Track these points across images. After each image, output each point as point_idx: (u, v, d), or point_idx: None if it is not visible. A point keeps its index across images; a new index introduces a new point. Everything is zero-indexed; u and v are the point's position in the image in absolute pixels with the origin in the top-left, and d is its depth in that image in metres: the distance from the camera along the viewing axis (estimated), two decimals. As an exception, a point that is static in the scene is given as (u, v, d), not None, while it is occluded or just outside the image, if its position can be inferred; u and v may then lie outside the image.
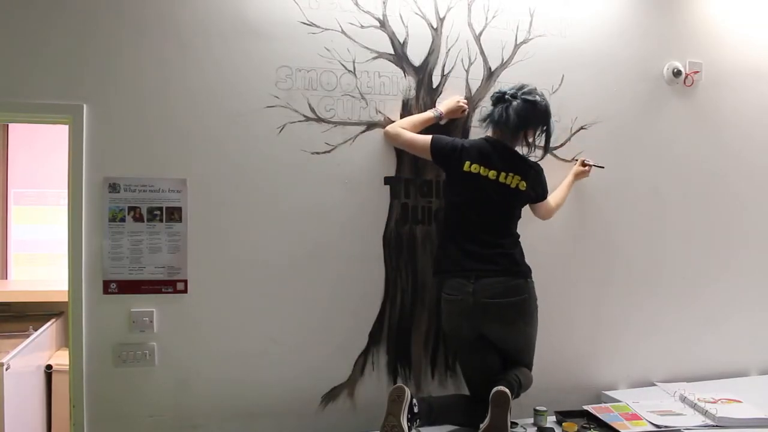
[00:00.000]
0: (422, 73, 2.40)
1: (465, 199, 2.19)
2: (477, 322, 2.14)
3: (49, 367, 3.05)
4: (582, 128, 2.58)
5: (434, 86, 2.40)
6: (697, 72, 2.70)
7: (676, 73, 2.67)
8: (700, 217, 2.77)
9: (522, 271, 2.18)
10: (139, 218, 2.17)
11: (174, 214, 2.20)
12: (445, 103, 2.36)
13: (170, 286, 2.20)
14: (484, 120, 2.27)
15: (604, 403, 2.47)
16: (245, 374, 2.27)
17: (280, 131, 2.27)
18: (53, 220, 3.60)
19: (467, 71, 2.44)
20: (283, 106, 2.26)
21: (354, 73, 2.32)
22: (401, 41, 2.37)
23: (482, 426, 1.94)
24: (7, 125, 3.61)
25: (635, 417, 2.25)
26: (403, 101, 2.37)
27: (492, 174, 2.17)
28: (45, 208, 3.66)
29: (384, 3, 2.34)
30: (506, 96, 2.18)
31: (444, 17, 2.41)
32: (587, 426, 2.20)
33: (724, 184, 2.81)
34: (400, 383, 2.29)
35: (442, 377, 2.45)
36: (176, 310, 2.21)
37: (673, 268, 2.74)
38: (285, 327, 2.30)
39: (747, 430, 2.16)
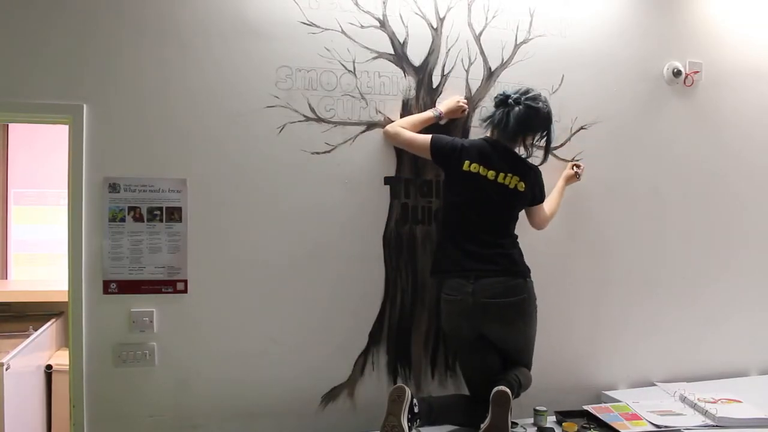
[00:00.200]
0: (422, 73, 2.40)
1: (464, 199, 2.19)
2: (477, 322, 2.14)
3: (49, 367, 3.05)
4: (582, 128, 2.58)
5: (434, 86, 2.40)
6: (697, 72, 2.71)
7: (676, 73, 2.67)
8: (700, 217, 2.77)
9: (521, 271, 2.18)
10: (139, 218, 2.17)
11: (174, 214, 2.20)
12: (445, 103, 2.36)
13: (170, 286, 2.20)
14: (485, 121, 2.27)
15: (604, 403, 2.47)
16: (245, 374, 2.27)
17: (280, 131, 2.27)
18: (53, 220, 3.60)
19: (467, 71, 2.44)
20: (283, 106, 2.26)
21: (354, 73, 2.32)
22: (401, 41, 2.37)
23: (483, 426, 1.94)
24: (7, 125, 3.61)
25: (635, 417, 2.25)
26: (403, 101, 2.37)
27: (491, 174, 2.17)
28: (45, 208, 3.66)
29: (384, 3, 2.34)
30: (509, 100, 2.18)
31: (444, 17, 2.41)
32: (587, 426, 2.20)
33: (724, 184, 2.81)
34: (400, 383, 2.29)
35: (442, 377, 2.45)
36: (176, 310, 2.21)
37: (673, 268, 2.74)
38: (285, 327, 2.30)
39: (747, 430, 2.16)
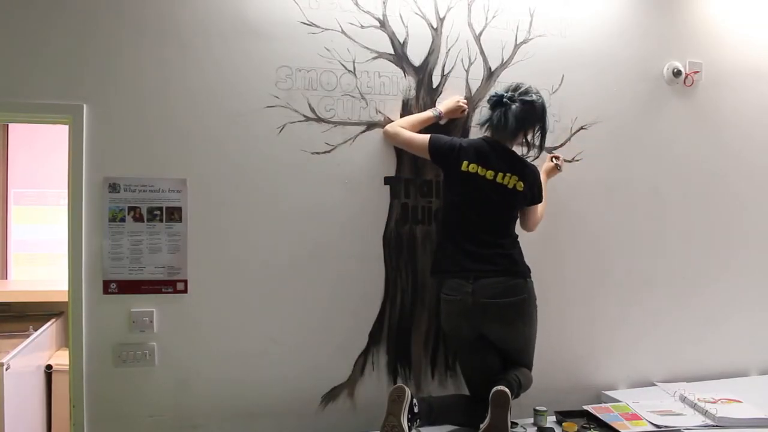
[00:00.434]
0: (422, 73, 2.40)
1: (463, 199, 2.19)
2: (476, 322, 2.14)
3: (49, 367, 3.05)
4: (582, 128, 2.58)
5: (434, 86, 2.40)
6: (697, 72, 2.70)
7: (676, 73, 2.67)
8: (700, 217, 2.77)
9: (521, 271, 2.18)
10: (139, 218, 2.17)
11: (174, 214, 2.20)
12: (444, 103, 2.36)
13: (170, 286, 2.20)
14: (483, 124, 2.26)
15: (604, 403, 2.47)
16: (245, 374, 2.27)
17: (280, 131, 2.27)
18: (53, 220, 3.60)
19: (467, 71, 2.44)
20: (283, 106, 2.26)
21: (354, 73, 2.32)
22: (401, 41, 2.37)
23: (482, 426, 1.94)
24: (7, 125, 3.61)
25: (635, 417, 2.25)
26: (403, 101, 2.37)
27: (490, 174, 2.17)
28: (45, 208, 3.66)
29: (384, 3, 2.34)
30: (504, 99, 2.17)
31: (444, 17, 2.41)
32: (587, 426, 2.20)
33: (724, 184, 2.81)
34: (400, 383, 2.29)
35: (442, 377, 2.45)
36: (176, 310, 2.21)
37: (673, 268, 2.73)
38: (285, 327, 2.30)
39: (747, 430, 2.16)
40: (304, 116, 2.29)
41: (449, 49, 2.41)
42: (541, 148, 2.28)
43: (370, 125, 2.35)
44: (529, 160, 2.27)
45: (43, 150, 3.62)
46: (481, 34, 2.45)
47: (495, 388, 1.96)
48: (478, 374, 2.20)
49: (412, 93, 2.38)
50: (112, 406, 2.16)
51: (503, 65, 2.47)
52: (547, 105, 2.24)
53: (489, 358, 2.18)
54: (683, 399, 2.40)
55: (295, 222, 2.29)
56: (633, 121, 2.65)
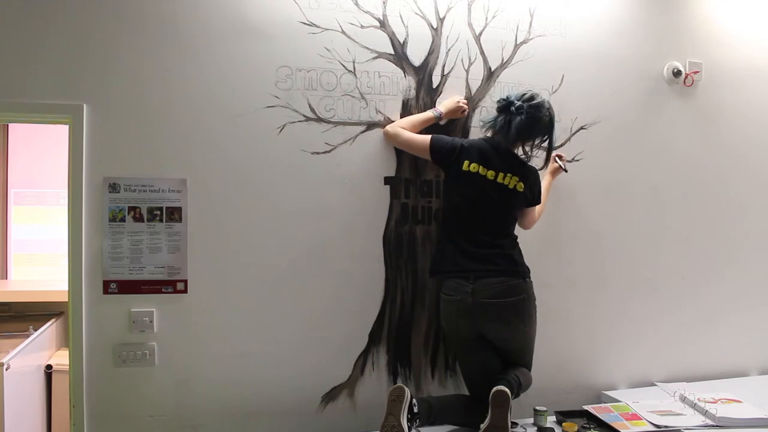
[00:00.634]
0: (422, 73, 2.40)
1: (464, 199, 2.19)
2: (476, 322, 2.14)
3: (49, 367, 3.05)
4: (582, 128, 2.58)
5: (434, 86, 2.40)
6: (697, 72, 2.71)
7: (676, 73, 2.67)
8: (699, 216, 2.77)
9: (521, 271, 2.18)
10: (139, 218, 2.17)
11: (174, 214, 2.20)
12: (444, 104, 2.36)
13: (170, 286, 2.20)
14: (486, 124, 2.26)
15: (604, 403, 2.48)
16: (245, 374, 2.27)
17: (280, 131, 2.27)
18: (53, 220, 3.60)
19: (467, 71, 2.44)
20: (283, 106, 2.26)
21: (354, 73, 2.32)
22: (401, 41, 2.37)
23: (483, 426, 1.94)
24: (7, 125, 3.61)
25: (635, 417, 2.25)
26: (403, 101, 2.37)
27: (491, 174, 2.17)
28: (45, 208, 3.67)
29: (384, 3, 2.34)
30: (512, 107, 2.15)
31: (444, 17, 2.41)
32: (587, 426, 2.20)
33: (724, 184, 2.81)
34: (400, 383, 2.29)
35: (442, 377, 2.45)
36: (176, 310, 2.21)
37: (673, 268, 2.74)
38: (285, 327, 2.30)
39: (747, 430, 2.16)
40: (304, 116, 2.29)
41: (449, 49, 2.41)
42: (548, 160, 2.27)
43: (370, 125, 2.35)
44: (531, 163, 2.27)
45: (43, 150, 3.62)
46: (481, 34, 2.45)
47: (495, 388, 1.96)
48: (478, 374, 2.20)
49: (412, 93, 2.38)
50: (112, 406, 2.16)
51: (503, 65, 2.47)
52: (551, 113, 2.21)
53: (489, 359, 2.18)
54: (683, 399, 2.40)
55: (295, 222, 2.29)
56: (633, 121, 2.66)
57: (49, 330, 3.14)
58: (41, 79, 2.08)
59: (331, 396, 2.35)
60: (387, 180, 2.37)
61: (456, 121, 2.41)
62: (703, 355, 2.77)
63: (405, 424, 1.93)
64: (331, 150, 2.31)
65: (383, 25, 2.35)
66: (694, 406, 2.33)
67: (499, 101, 2.23)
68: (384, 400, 2.01)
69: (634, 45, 2.64)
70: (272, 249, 2.28)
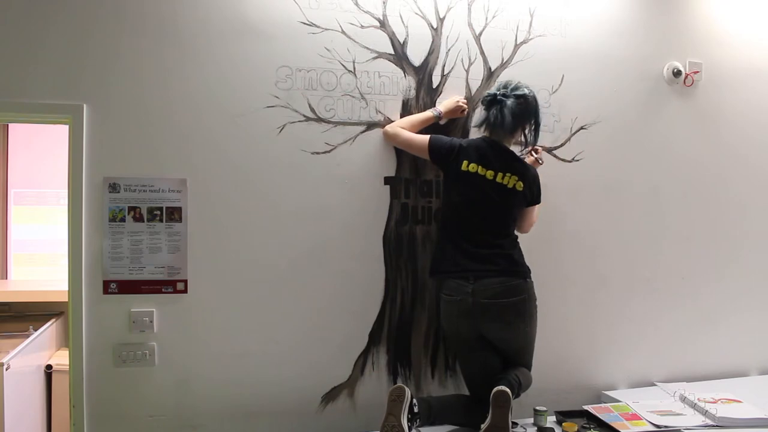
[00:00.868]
0: (422, 73, 2.40)
1: (463, 199, 2.19)
2: (476, 322, 2.14)
3: (49, 367, 3.05)
4: (582, 128, 2.58)
5: (434, 86, 2.40)
6: (697, 72, 2.71)
7: (676, 73, 2.67)
8: (699, 216, 2.77)
9: (521, 271, 2.18)
10: (139, 218, 2.17)
11: (174, 214, 2.20)
12: (444, 103, 2.36)
13: (170, 286, 2.20)
14: (480, 125, 2.26)
15: (604, 403, 2.47)
16: (245, 374, 2.27)
17: (280, 131, 2.27)
18: (53, 220, 3.60)
19: (467, 71, 2.44)
20: (283, 106, 2.26)
21: (354, 73, 2.32)
22: (401, 41, 2.37)
23: (483, 426, 1.94)
24: (7, 125, 3.61)
25: (635, 417, 2.25)
26: (403, 101, 2.37)
27: (490, 174, 2.16)
28: (45, 208, 3.67)
29: (384, 3, 2.34)
30: (498, 97, 2.18)
31: (444, 17, 2.41)
32: (587, 426, 2.20)
33: (724, 184, 2.81)
34: (400, 383, 2.29)
35: (442, 377, 2.45)
36: (176, 310, 2.21)
37: (673, 268, 2.74)
38: (285, 327, 2.30)
39: (747, 430, 2.16)
40: (304, 116, 2.29)
41: (449, 49, 2.41)
42: (535, 142, 2.28)
43: (370, 125, 2.35)
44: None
45: (43, 150, 3.62)
46: (481, 34, 2.45)
47: (496, 389, 1.96)
48: (478, 375, 2.20)
49: (412, 93, 2.38)
50: (112, 406, 2.16)
51: (503, 65, 2.47)
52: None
53: (489, 359, 2.18)
54: (683, 399, 2.40)
55: (295, 222, 2.29)
56: (633, 121, 2.66)
57: (49, 330, 3.14)
58: (41, 79, 2.08)
59: (331, 396, 2.35)
60: (387, 180, 2.37)
61: (456, 121, 2.41)
62: (703, 355, 2.77)
63: (405, 424, 1.94)
64: (331, 150, 2.31)
65: (383, 25, 2.35)
66: (694, 406, 2.33)
67: (483, 99, 2.25)
68: (384, 400, 2.01)
69: (634, 45, 2.64)
70: (272, 249, 2.28)
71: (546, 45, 2.51)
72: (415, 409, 2.01)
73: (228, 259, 2.24)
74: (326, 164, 2.31)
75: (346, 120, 2.32)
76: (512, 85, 2.19)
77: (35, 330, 3.02)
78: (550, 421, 2.27)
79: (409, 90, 2.38)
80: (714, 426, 2.18)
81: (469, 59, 2.44)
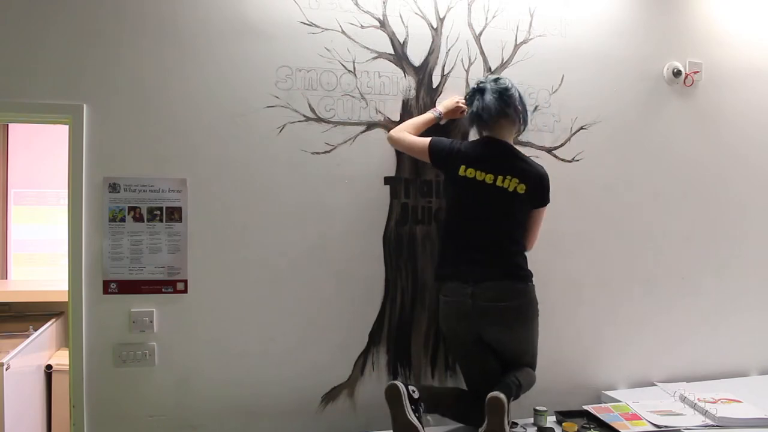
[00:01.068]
0: (422, 73, 2.40)
1: (463, 203, 2.17)
2: (475, 325, 2.12)
3: (49, 367, 3.06)
4: (582, 128, 2.58)
5: (434, 86, 2.40)
6: (697, 72, 2.71)
7: (676, 73, 2.67)
8: (699, 216, 2.77)
9: (522, 275, 2.15)
10: (139, 218, 2.17)
11: (174, 214, 2.20)
12: (444, 104, 2.36)
13: (170, 286, 2.20)
14: (471, 121, 2.24)
15: (604, 403, 2.47)
16: (245, 374, 2.27)
17: (280, 131, 2.27)
18: (53, 220, 3.60)
19: (467, 71, 2.44)
20: (283, 106, 2.26)
21: (354, 73, 2.32)
22: (401, 41, 2.37)
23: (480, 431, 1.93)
24: (7, 125, 3.61)
25: (635, 417, 2.25)
26: (403, 101, 2.37)
27: (489, 178, 2.12)
28: (45, 208, 3.67)
29: (384, 3, 2.34)
30: (479, 86, 2.18)
31: (444, 17, 2.41)
32: (587, 426, 2.20)
33: (724, 184, 2.81)
34: (390, 382, 2.20)
35: (442, 377, 2.45)
36: (176, 310, 2.21)
37: (673, 268, 2.73)
38: (285, 327, 2.30)
39: (747, 430, 2.16)
40: (304, 116, 2.29)
41: (449, 49, 2.41)
42: (524, 127, 2.25)
43: (370, 125, 2.35)
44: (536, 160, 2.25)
45: (43, 150, 3.62)
46: (481, 34, 2.45)
47: (490, 395, 1.93)
48: (477, 376, 2.19)
49: (412, 93, 2.38)
50: (112, 406, 2.16)
51: (503, 65, 2.47)
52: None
53: (488, 361, 2.16)
54: (683, 399, 2.40)
55: (295, 222, 2.29)
56: (633, 121, 2.66)
57: (49, 330, 3.14)
58: (41, 79, 2.08)
59: (331, 396, 2.35)
60: (387, 180, 2.37)
61: (456, 121, 2.41)
62: (703, 355, 2.77)
63: (413, 418, 1.92)
64: (331, 150, 2.31)
65: (383, 25, 2.35)
66: (694, 406, 2.33)
67: (466, 95, 2.27)
68: (384, 400, 2.00)
69: (634, 45, 2.64)
70: (272, 249, 2.28)
71: (546, 45, 2.51)
72: (415, 395, 1.99)
73: (228, 259, 2.24)
74: (326, 164, 2.31)
75: (346, 120, 2.32)
76: (491, 75, 2.23)
77: (35, 330, 3.02)
78: (550, 421, 2.27)
79: (409, 90, 2.38)
80: (714, 426, 2.18)
81: (469, 59, 2.44)
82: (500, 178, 2.13)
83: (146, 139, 2.17)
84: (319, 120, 2.30)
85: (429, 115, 2.32)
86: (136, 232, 2.17)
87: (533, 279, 2.19)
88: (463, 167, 2.15)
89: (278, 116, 2.26)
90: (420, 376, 2.42)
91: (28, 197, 3.68)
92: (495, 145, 2.18)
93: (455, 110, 2.35)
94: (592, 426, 2.20)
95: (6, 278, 3.64)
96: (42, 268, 3.64)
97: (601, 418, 2.24)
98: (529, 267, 2.20)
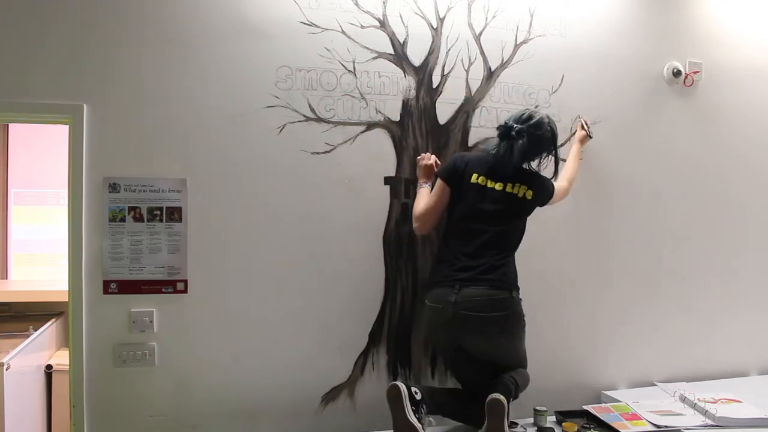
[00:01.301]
0: (422, 73, 2.40)
1: (471, 210, 2.14)
2: (455, 333, 2.09)
3: (49, 367, 3.05)
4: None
5: (434, 86, 2.41)
6: (697, 72, 2.71)
7: (676, 73, 2.67)
8: (700, 217, 2.77)
9: (507, 285, 2.10)
10: (139, 218, 2.17)
11: (174, 214, 2.20)
12: (422, 173, 2.29)
13: (170, 286, 2.20)
14: (490, 151, 2.17)
15: (604, 403, 2.47)
16: (245, 374, 2.27)
17: (280, 131, 2.27)
18: (53, 220, 3.60)
19: (467, 71, 2.44)
20: (283, 106, 2.26)
21: (354, 73, 2.32)
22: (401, 41, 2.37)
23: None
24: (7, 125, 3.61)
25: (635, 417, 2.25)
26: (403, 101, 2.37)
27: (499, 186, 2.13)
28: (45, 208, 3.67)
29: (384, 3, 2.34)
30: (512, 132, 2.09)
31: (444, 17, 2.41)
32: (587, 426, 2.20)
33: (724, 184, 2.81)
34: (392, 382, 2.21)
35: (442, 377, 2.44)
36: (176, 310, 2.21)
37: (673, 268, 2.73)
38: (285, 326, 2.30)
39: (747, 430, 2.16)
40: (304, 116, 2.29)
41: (449, 49, 2.41)
42: (556, 172, 2.24)
43: (370, 125, 2.35)
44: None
45: (43, 150, 3.62)
46: (481, 34, 2.45)
47: (490, 397, 1.92)
48: (467, 380, 2.19)
49: (412, 93, 2.38)
50: (112, 406, 2.16)
51: (503, 65, 2.47)
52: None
53: (474, 365, 2.14)
54: (683, 399, 2.40)
55: (295, 222, 2.29)
56: (633, 121, 2.66)
57: (49, 330, 3.14)
58: (41, 79, 2.08)
59: (331, 396, 2.35)
60: (387, 180, 2.37)
61: (456, 121, 2.41)
62: (703, 355, 2.77)
63: (413, 419, 1.92)
64: (331, 150, 2.31)
65: (383, 25, 2.35)
66: (694, 406, 2.33)
67: (498, 128, 2.16)
68: (384, 400, 2.01)
69: (634, 45, 2.64)
70: (272, 249, 2.27)
71: (546, 45, 2.51)
72: (417, 397, 1.99)
73: (228, 259, 2.24)
74: (326, 164, 2.31)
75: (346, 120, 2.32)
76: (533, 121, 2.09)
77: (35, 330, 3.02)
78: (550, 421, 2.27)
79: (409, 90, 2.38)
80: (714, 426, 2.18)
81: (469, 59, 2.44)
82: (509, 185, 2.14)
83: (146, 139, 2.17)
84: (319, 120, 2.30)
85: (424, 189, 2.25)
86: (136, 232, 2.17)
87: (519, 292, 2.15)
88: (475, 175, 2.15)
89: (278, 116, 2.26)
90: (420, 376, 2.42)
91: (28, 197, 3.68)
92: (501, 159, 2.14)
93: (427, 168, 2.29)
94: (592, 426, 2.20)
95: (6, 278, 3.64)
96: (42, 268, 3.64)
97: (601, 418, 2.24)
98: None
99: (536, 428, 2.23)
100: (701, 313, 2.78)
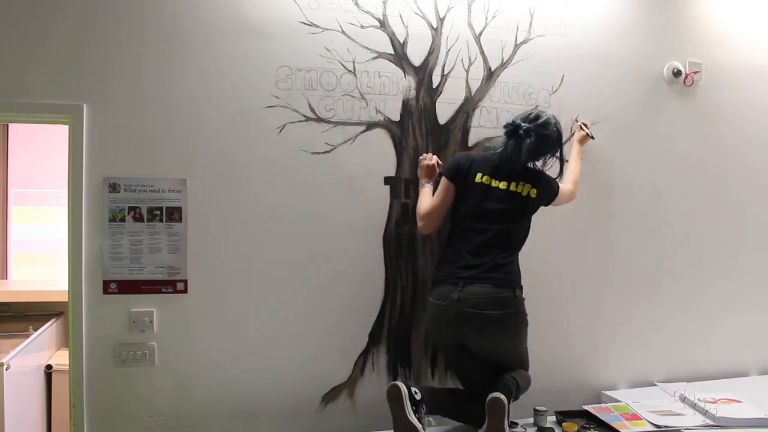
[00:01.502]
0: (422, 73, 2.40)
1: (475, 210, 2.14)
2: (458, 330, 2.10)
3: (49, 367, 3.05)
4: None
5: (434, 86, 2.41)
6: (697, 72, 2.71)
7: (676, 73, 2.67)
8: (700, 216, 2.77)
9: (511, 284, 2.11)
10: (139, 218, 2.17)
11: (174, 214, 2.20)
12: (421, 173, 2.29)
13: (170, 286, 2.20)
14: (496, 149, 2.18)
15: (604, 403, 2.47)
16: (245, 374, 2.27)
17: (280, 131, 2.27)
18: (53, 220, 3.60)
19: (467, 71, 2.44)
20: (283, 106, 2.26)
21: (354, 73, 2.32)
22: (401, 41, 2.37)
23: None
24: (7, 125, 3.61)
25: (635, 417, 2.25)
26: (403, 101, 2.37)
27: (503, 184, 2.14)
28: (45, 208, 3.67)
29: (384, 3, 2.34)
30: (520, 131, 2.10)
31: (444, 17, 2.41)
32: (587, 426, 2.20)
33: (724, 184, 2.81)
34: (392, 382, 2.21)
35: (442, 377, 2.45)
36: (176, 310, 2.21)
37: (673, 268, 2.73)
38: (285, 327, 2.30)
39: (747, 430, 2.16)
40: (304, 116, 2.29)
41: (449, 49, 2.41)
42: (561, 170, 2.26)
43: (370, 125, 2.35)
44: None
45: (43, 150, 3.62)
46: (481, 34, 2.45)
47: (490, 396, 1.92)
48: (469, 378, 2.19)
49: (412, 93, 2.38)
50: (112, 406, 2.16)
51: (503, 65, 2.47)
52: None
53: (476, 364, 2.14)
54: (683, 399, 2.40)
55: (295, 222, 2.29)
56: (633, 121, 2.66)
57: (49, 330, 3.14)
58: (41, 79, 2.08)
59: (331, 396, 2.35)
60: (387, 180, 2.37)
61: (456, 121, 2.41)
62: (703, 355, 2.77)
63: (414, 419, 1.92)
64: (331, 150, 2.31)
65: (383, 25, 2.35)
66: (694, 406, 2.33)
67: (506, 126, 2.16)
68: (384, 400, 2.01)
69: (634, 45, 2.64)
70: (272, 249, 2.27)
71: (546, 45, 2.51)
72: (417, 397, 1.99)
73: (228, 259, 2.24)
74: (326, 164, 2.31)
75: (346, 120, 2.32)
76: (540, 121, 2.11)
77: (35, 330, 3.02)
78: (550, 421, 2.27)
79: (409, 90, 2.38)
80: (714, 426, 2.18)
81: (469, 59, 2.44)
82: (513, 183, 2.14)
83: (146, 139, 2.17)
84: (319, 120, 2.30)
85: (427, 189, 2.25)
86: (136, 232, 2.17)
87: (523, 291, 2.15)
88: (480, 174, 2.15)
89: (278, 116, 2.26)
90: (420, 376, 2.42)
91: (28, 197, 3.68)
92: (505, 159, 2.15)
93: (429, 168, 2.29)
94: (592, 426, 2.20)
95: (6, 278, 3.64)
96: (42, 268, 3.64)
97: (601, 418, 2.24)
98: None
99: (536, 428, 2.23)
100: (701, 314, 2.78)
